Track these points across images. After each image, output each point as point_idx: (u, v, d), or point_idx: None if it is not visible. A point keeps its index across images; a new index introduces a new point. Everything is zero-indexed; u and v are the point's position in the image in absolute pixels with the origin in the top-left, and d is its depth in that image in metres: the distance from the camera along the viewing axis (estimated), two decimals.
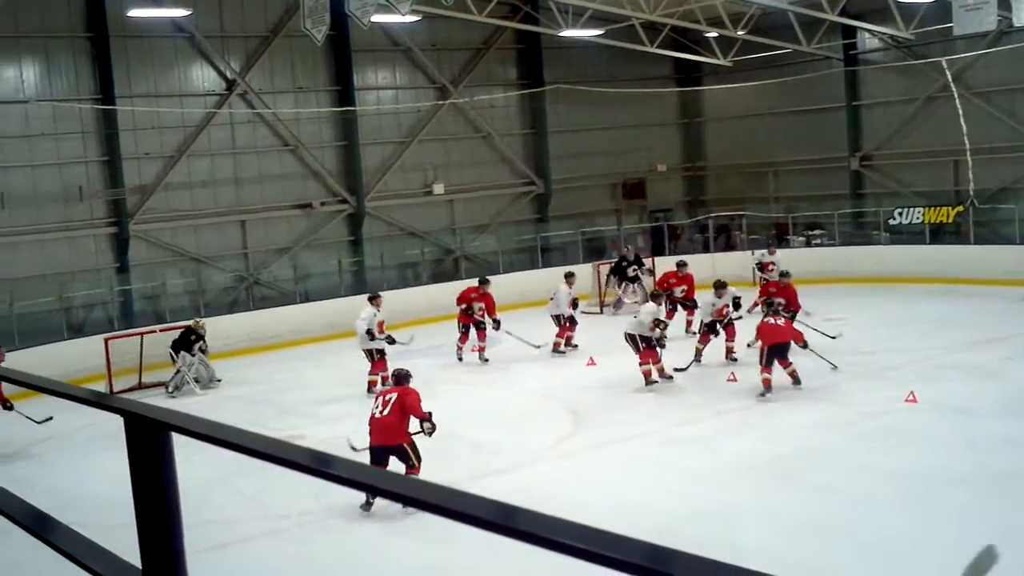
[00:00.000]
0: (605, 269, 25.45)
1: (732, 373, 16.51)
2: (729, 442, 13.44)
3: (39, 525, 2.28)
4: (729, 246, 29.13)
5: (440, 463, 13.03)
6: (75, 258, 23.75)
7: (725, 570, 1.17)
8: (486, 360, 19.73)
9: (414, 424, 11.71)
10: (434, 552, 9.74)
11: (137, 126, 24.25)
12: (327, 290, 26.00)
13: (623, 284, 24.66)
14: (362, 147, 27.52)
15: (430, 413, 11.77)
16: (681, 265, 21.45)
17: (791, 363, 15.64)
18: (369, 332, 17.37)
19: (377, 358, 17.55)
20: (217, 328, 21.19)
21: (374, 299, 18.04)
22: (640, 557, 1.22)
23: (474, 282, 20.78)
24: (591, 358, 18.51)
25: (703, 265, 24.89)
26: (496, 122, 30.05)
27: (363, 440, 11.85)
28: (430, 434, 11.75)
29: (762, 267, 22.74)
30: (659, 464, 12.73)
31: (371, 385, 17.36)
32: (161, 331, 20.30)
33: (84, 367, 19.55)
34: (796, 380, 15.65)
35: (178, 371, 18.97)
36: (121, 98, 23.86)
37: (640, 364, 16.40)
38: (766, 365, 15.53)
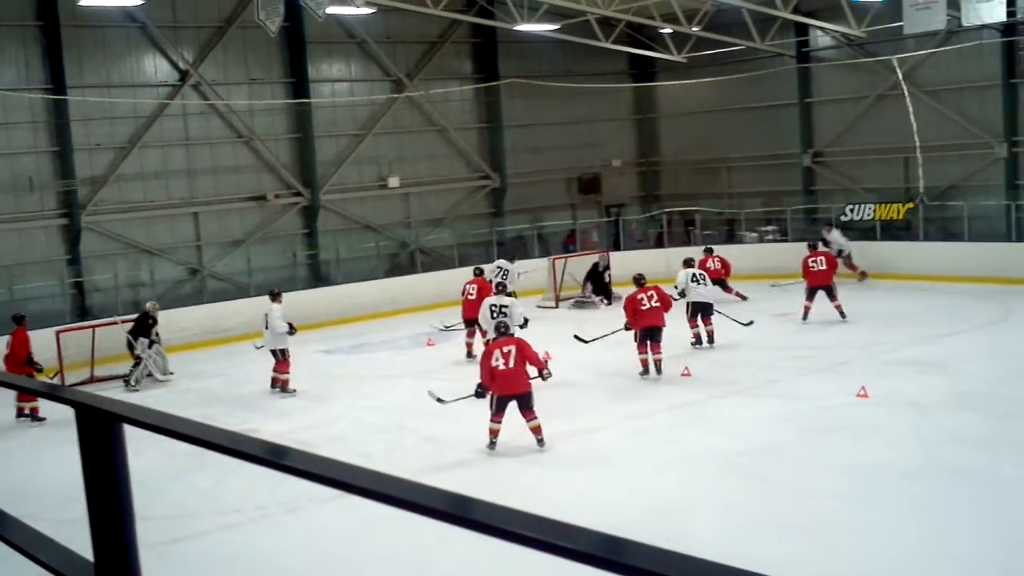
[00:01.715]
0: (560, 264, 25.45)
1: (686, 367, 16.60)
2: (683, 436, 13.52)
3: None
4: (683, 241, 29.30)
5: (394, 457, 13.05)
6: (25, 250, 23.42)
7: (677, 560, 1.18)
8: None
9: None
10: (388, 543, 9.72)
11: (88, 116, 23.96)
12: (281, 283, 25.81)
13: (594, 290, 24.63)
14: (317, 140, 27.37)
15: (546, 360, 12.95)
16: (707, 251, 22.55)
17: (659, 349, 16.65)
18: (290, 329, 17.26)
19: (283, 357, 17.36)
20: (170, 321, 20.99)
21: (278, 296, 17.87)
22: (595, 547, 1.22)
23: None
24: (547, 352, 18.50)
25: (657, 261, 25.05)
26: (451, 116, 30.00)
27: (448, 393, 13.55)
28: (546, 379, 13.27)
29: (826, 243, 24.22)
30: (613, 458, 12.76)
31: (285, 384, 17.26)
32: (122, 322, 20.02)
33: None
34: (658, 368, 16.61)
35: (138, 361, 18.73)
36: (72, 88, 23.54)
37: None
38: (639, 344, 16.65)
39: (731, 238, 29.09)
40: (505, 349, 12.81)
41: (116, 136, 24.65)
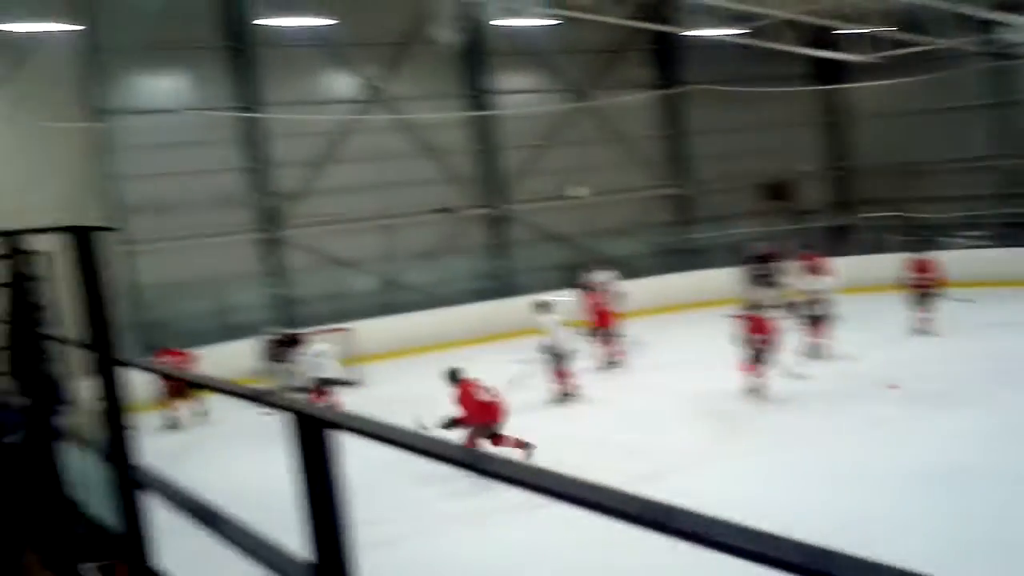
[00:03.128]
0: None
1: (893, 381, 16.04)
2: (882, 451, 13.05)
3: (212, 521, 2.38)
4: (878, 248, 28.25)
5: (585, 468, 13.04)
6: (229, 263, 24.48)
7: (885, 571, 1.17)
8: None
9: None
10: (587, 553, 9.76)
11: (284, 134, 24.91)
12: (468, 294, 26.26)
13: (757, 287, 24.23)
14: (501, 151, 27.74)
15: None
16: (924, 251, 21.22)
17: None
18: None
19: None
20: (362, 331, 21.68)
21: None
22: (799, 556, 1.22)
23: None
24: (741, 363, 18.21)
25: (850, 268, 24.31)
26: (634, 124, 29.89)
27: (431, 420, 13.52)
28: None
29: None
30: (807, 472, 12.46)
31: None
32: (314, 334, 20.77)
33: (240, 368, 19.91)
34: None
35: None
36: (268, 106, 24.58)
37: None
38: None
39: (931, 244, 27.87)
40: (482, 383, 13.96)
41: (310, 152, 25.56)
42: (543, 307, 18.16)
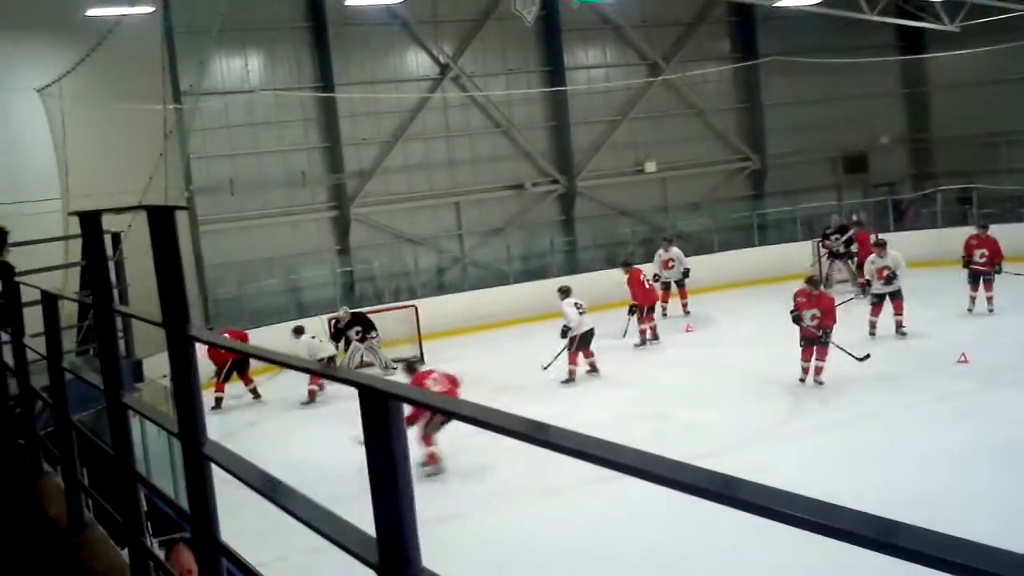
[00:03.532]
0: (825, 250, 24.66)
1: (963, 355, 15.76)
2: (951, 426, 12.87)
3: (275, 493, 2.40)
4: (957, 220, 27.67)
5: (655, 442, 13.03)
6: (299, 241, 24.77)
7: (951, 542, 1.14)
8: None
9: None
10: (650, 532, 9.74)
11: (355, 112, 25.08)
12: (539, 270, 26.25)
13: (830, 259, 23.99)
14: (573, 127, 27.63)
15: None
16: (982, 228, 20.44)
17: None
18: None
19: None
20: (432, 308, 21.81)
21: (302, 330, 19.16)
22: (864, 528, 1.20)
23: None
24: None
25: (930, 242, 23.91)
26: (709, 97, 29.55)
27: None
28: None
29: None
30: (873, 448, 12.32)
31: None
32: (382, 311, 20.98)
33: None
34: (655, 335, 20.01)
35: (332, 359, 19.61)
36: (340, 85, 24.73)
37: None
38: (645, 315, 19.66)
39: (1003, 217, 27.14)
40: (437, 375, 13.33)
41: (381, 130, 25.71)
42: (563, 292, 18.20)
